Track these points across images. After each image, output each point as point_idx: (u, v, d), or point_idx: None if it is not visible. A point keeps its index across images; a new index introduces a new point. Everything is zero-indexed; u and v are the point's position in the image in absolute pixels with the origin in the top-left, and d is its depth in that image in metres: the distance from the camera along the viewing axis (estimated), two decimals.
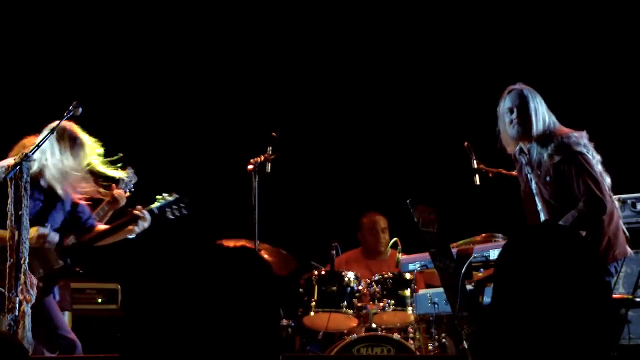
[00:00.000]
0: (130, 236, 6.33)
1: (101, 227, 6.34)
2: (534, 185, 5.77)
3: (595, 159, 5.62)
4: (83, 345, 6.87)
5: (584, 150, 5.59)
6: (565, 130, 5.71)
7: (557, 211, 5.61)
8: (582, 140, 5.63)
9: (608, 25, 8.87)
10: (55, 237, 6.00)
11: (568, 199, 5.55)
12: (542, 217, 5.75)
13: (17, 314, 5.21)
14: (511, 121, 5.78)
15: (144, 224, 6.29)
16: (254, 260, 2.37)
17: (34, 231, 5.72)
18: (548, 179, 5.65)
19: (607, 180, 5.65)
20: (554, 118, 5.76)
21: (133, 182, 7.05)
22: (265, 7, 9.38)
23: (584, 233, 5.48)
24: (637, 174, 7.33)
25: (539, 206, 5.75)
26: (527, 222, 5.88)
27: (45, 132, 5.91)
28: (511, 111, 5.78)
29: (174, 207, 6.48)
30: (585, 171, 5.51)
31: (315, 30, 9.42)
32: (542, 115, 5.72)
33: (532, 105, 5.72)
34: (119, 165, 6.84)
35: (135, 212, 6.29)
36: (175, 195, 6.48)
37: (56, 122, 5.90)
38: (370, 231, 8.35)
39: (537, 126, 5.69)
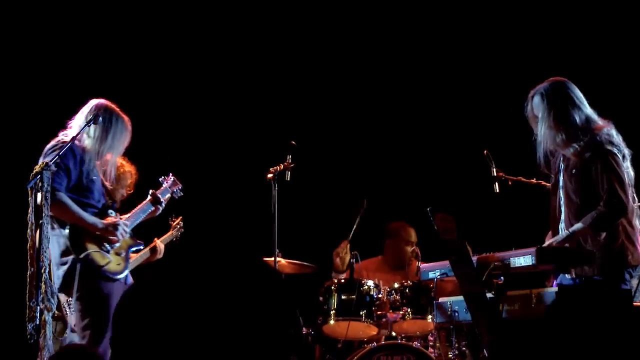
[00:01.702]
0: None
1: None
2: (561, 178, 5.71)
3: (621, 154, 5.56)
4: None
5: (615, 151, 5.52)
6: (599, 125, 5.62)
7: (577, 208, 5.56)
8: (614, 138, 5.57)
9: (622, 30, 8.85)
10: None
11: (590, 195, 5.48)
12: (563, 212, 5.68)
13: (38, 322, 5.22)
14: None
15: (164, 205, 6.65)
16: (261, 267, 2.37)
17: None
18: (574, 171, 5.59)
19: (631, 174, 5.59)
20: (586, 112, 5.66)
21: (182, 231, 7.43)
22: (286, 16, 9.40)
23: (603, 235, 5.44)
24: None
25: (562, 200, 5.70)
26: (550, 214, 5.82)
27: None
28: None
29: (176, 188, 6.85)
30: (612, 170, 5.44)
31: (335, 40, 9.44)
32: (570, 120, 5.63)
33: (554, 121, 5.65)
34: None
35: (157, 194, 6.58)
36: (172, 177, 6.85)
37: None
38: (405, 244, 8.24)
39: (567, 133, 5.62)
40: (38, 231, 5.33)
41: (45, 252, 5.29)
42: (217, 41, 9.35)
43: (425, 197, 6.83)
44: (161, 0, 9.20)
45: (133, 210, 6.46)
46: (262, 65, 9.44)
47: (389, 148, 9.47)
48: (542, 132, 5.67)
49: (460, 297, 5.77)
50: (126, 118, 6.32)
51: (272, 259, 7.00)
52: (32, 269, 5.28)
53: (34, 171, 5.44)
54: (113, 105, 6.29)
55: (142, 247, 6.56)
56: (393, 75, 9.51)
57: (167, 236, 7.43)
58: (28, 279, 5.30)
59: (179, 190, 6.88)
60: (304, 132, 8.13)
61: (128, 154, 7.18)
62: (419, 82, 9.42)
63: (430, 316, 7.04)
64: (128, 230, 6.25)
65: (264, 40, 9.44)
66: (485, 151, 6.41)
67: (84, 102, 6.32)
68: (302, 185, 7.40)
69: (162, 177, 6.86)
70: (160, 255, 7.31)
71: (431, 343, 7.17)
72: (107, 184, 6.32)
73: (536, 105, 5.75)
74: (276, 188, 7.00)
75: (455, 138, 9.12)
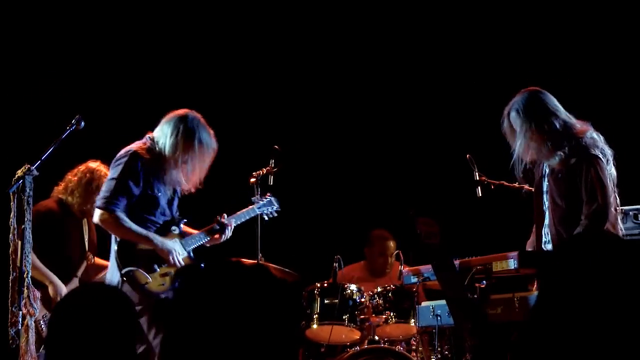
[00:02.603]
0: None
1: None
2: (546, 182, 5.72)
3: (606, 158, 5.56)
4: None
5: (600, 155, 5.53)
6: (580, 129, 5.62)
7: (562, 212, 5.56)
8: (598, 142, 5.58)
9: (612, 35, 8.88)
10: None
11: (575, 200, 5.47)
12: (547, 217, 5.69)
13: (20, 327, 5.21)
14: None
15: (229, 233, 6.42)
16: (267, 278, 2.36)
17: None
18: (560, 175, 5.59)
19: (614, 174, 5.59)
20: (563, 118, 5.64)
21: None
22: (269, 19, 9.40)
23: None
24: (638, 185, 7.31)
25: (546, 204, 5.70)
26: (534, 218, 5.82)
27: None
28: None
29: (270, 208, 6.78)
30: (596, 175, 5.43)
31: (319, 44, 9.44)
32: (551, 129, 5.62)
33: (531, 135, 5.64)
34: None
35: (222, 220, 6.39)
36: (269, 197, 6.77)
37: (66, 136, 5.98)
38: (381, 255, 8.32)
39: (551, 143, 5.61)
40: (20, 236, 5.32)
41: (27, 256, 5.28)
42: (201, 45, 9.34)
43: (408, 201, 6.84)
44: (142, 8, 9.19)
45: (196, 232, 6.34)
46: (245, 69, 9.43)
47: (372, 152, 9.48)
48: (523, 145, 5.65)
49: (443, 301, 5.78)
50: (211, 132, 6.21)
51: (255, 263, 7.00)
52: (15, 274, 5.27)
53: (16, 176, 5.43)
54: (198, 116, 6.19)
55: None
56: (376, 81, 9.52)
57: None
58: (10, 284, 5.30)
59: (273, 211, 6.83)
60: (287, 136, 8.12)
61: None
62: (401, 87, 9.44)
63: (413, 320, 7.05)
64: (184, 253, 6.11)
65: (247, 44, 9.44)
66: (467, 155, 6.42)
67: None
68: (285, 189, 7.39)
69: (256, 196, 6.75)
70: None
71: (414, 347, 7.18)
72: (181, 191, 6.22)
73: (514, 121, 5.72)
74: (259, 192, 6.99)
75: (438, 142, 9.14)
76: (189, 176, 6.13)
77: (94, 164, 6.95)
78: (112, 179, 5.93)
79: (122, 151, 6.04)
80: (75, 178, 6.88)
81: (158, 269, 5.94)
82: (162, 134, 6.09)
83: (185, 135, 6.06)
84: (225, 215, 6.44)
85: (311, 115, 9.44)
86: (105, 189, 5.94)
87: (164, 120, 6.16)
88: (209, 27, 9.35)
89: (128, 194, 5.90)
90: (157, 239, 5.96)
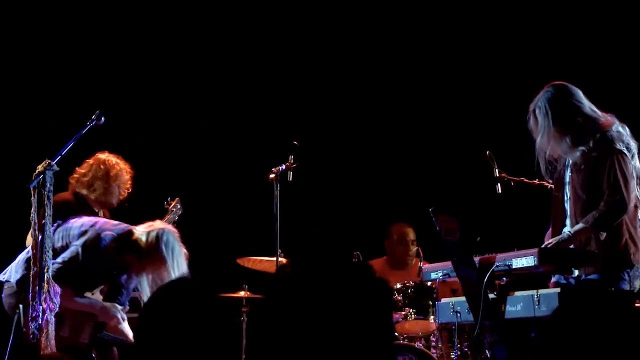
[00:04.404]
0: None
1: None
2: (568, 173, 5.68)
3: (631, 153, 5.53)
4: None
5: (625, 150, 5.50)
6: (606, 122, 5.60)
7: (583, 204, 5.52)
8: (624, 136, 5.55)
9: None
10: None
11: (597, 192, 5.45)
12: (569, 209, 5.66)
13: (40, 322, 5.22)
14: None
15: None
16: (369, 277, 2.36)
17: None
18: (583, 167, 5.57)
19: (638, 167, 5.55)
20: (588, 113, 5.62)
21: (180, 212, 7.12)
22: (286, 15, 9.40)
23: (604, 234, 5.42)
24: None
25: (567, 195, 5.67)
26: (552, 211, 5.80)
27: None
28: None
29: None
30: (619, 168, 5.41)
31: (337, 39, 9.44)
32: (573, 126, 5.59)
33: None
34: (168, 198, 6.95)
35: None
36: None
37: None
38: (400, 242, 8.30)
39: (573, 138, 5.58)
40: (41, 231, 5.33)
41: (48, 251, 5.29)
42: (218, 41, 9.35)
43: (428, 197, 6.82)
44: (160, 3, 9.21)
45: None
46: (264, 65, 9.44)
47: (392, 148, 9.48)
48: (545, 141, 5.63)
49: (463, 298, 5.76)
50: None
51: (274, 259, 7.00)
52: (35, 269, 5.28)
53: (37, 171, 5.44)
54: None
55: None
56: (395, 76, 9.51)
57: (165, 221, 7.23)
58: (31, 279, 5.31)
59: None
60: (307, 132, 8.13)
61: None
62: (421, 83, 9.42)
63: (432, 317, 7.04)
64: None
65: (265, 39, 9.44)
66: (487, 152, 6.40)
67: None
68: (304, 185, 7.40)
69: None
70: None
71: (433, 343, 7.17)
72: None
73: (539, 116, 5.69)
74: (278, 188, 6.98)
75: (458, 139, 9.12)
76: None
77: (102, 155, 6.95)
78: None
79: None
80: (90, 172, 6.87)
81: None
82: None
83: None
84: None
85: (331, 111, 9.43)
86: None
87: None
88: (228, 23, 9.36)
89: None
90: None
